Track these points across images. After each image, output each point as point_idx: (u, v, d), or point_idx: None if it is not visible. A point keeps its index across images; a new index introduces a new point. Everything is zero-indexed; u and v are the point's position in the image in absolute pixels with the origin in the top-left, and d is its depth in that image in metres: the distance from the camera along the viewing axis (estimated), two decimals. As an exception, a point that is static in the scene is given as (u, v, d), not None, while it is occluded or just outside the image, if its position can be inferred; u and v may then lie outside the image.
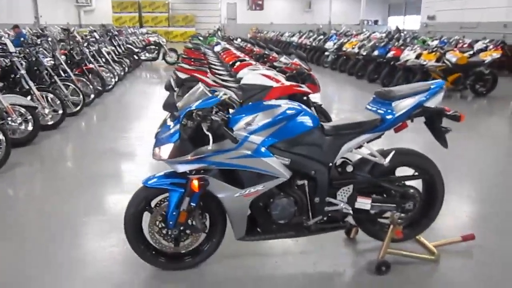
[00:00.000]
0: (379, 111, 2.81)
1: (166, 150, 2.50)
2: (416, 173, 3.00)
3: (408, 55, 10.10)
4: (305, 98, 5.54)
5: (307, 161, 2.70)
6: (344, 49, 14.09)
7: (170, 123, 2.58)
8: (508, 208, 3.89)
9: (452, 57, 9.49)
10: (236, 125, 2.62)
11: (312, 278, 2.84)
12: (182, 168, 2.57)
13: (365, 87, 11.37)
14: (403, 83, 10.30)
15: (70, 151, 5.97)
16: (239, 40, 13.70)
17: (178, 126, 2.50)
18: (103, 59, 10.32)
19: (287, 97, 5.38)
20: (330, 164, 2.76)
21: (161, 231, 2.78)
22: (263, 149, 2.57)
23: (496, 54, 9.99)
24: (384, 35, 19.96)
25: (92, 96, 8.17)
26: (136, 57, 14.43)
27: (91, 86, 8.12)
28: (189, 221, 2.72)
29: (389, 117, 2.75)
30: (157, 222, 2.77)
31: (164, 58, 16.22)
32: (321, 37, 17.17)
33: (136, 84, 11.95)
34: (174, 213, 2.66)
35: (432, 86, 2.82)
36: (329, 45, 15.45)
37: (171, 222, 2.68)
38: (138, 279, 2.82)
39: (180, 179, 2.66)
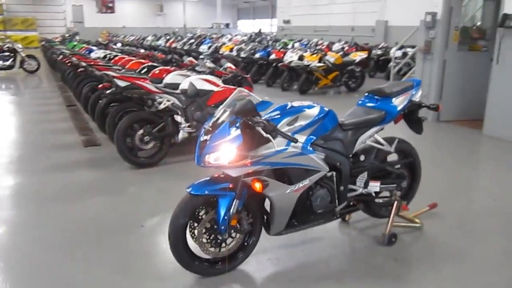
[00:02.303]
0: (381, 106, 3.28)
1: (227, 155, 2.55)
2: (406, 157, 3.57)
3: (291, 57, 11.05)
4: (243, 100, 5.81)
5: (335, 154, 3.03)
6: (220, 52, 14.57)
7: (223, 129, 2.61)
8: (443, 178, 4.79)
9: (331, 58, 10.75)
10: (278, 126, 2.79)
11: (340, 258, 3.20)
12: (238, 172, 2.65)
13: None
14: (289, 82, 11.27)
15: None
16: (119, 44, 13.09)
17: (239, 131, 2.57)
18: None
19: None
20: (350, 155, 3.15)
21: (209, 238, 2.81)
22: (308, 147, 2.81)
23: (364, 54, 11.61)
24: (246, 38, 21.14)
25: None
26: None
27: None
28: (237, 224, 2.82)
29: (392, 111, 3.25)
30: (205, 230, 2.79)
31: (22, 66, 14.53)
32: (192, 40, 17.35)
33: None
34: (225, 217, 2.72)
35: (414, 84, 3.41)
36: (204, 48, 15.78)
37: (223, 227, 2.73)
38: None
39: (224, 184, 2.73)
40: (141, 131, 5.11)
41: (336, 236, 3.55)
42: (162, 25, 34.19)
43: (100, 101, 6.30)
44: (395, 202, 3.39)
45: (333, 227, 3.61)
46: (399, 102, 3.29)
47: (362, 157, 3.26)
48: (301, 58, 10.83)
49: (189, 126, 5.37)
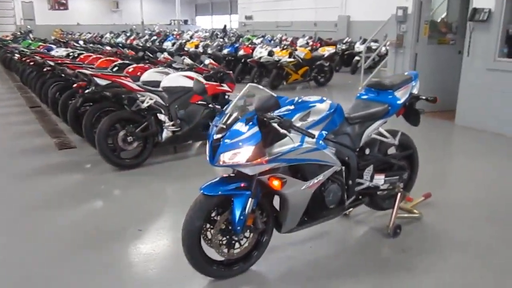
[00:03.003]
0: (384, 99, 3.29)
1: (245, 153, 2.46)
2: (405, 149, 3.61)
3: (261, 53, 11.01)
4: (226, 96, 5.72)
5: (343, 148, 3.01)
6: (186, 49, 14.32)
7: (240, 127, 2.52)
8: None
9: (301, 53, 10.79)
10: None
11: (349, 252, 3.19)
12: (255, 170, 2.57)
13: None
14: (259, 78, 11.23)
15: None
16: (81, 42, 12.56)
17: (257, 128, 2.49)
18: None
19: (211, 97, 5.48)
20: (357, 149, 3.14)
21: (224, 239, 2.71)
22: (321, 142, 2.77)
23: (332, 49, 11.75)
24: (208, 34, 20.91)
25: None
26: None
27: None
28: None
29: (395, 104, 3.27)
30: (220, 231, 2.69)
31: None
32: (155, 37, 16.96)
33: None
34: (241, 217, 2.63)
35: (412, 77, 3.45)
36: (167, 45, 15.45)
37: (239, 227, 2.64)
38: None
39: (237, 183, 2.65)
40: (123, 131, 4.90)
41: (340, 230, 3.54)
42: (119, 22, 33.19)
43: (71, 102, 6.01)
44: (399, 194, 3.42)
45: (335, 222, 3.58)
46: (401, 95, 3.32)
47: (367, 151, 3.26)
48: (270, 53, 10.80)
49: (173, 125, 5.21)
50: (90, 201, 4.17)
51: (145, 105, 5.01)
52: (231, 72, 5.93)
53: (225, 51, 12.43)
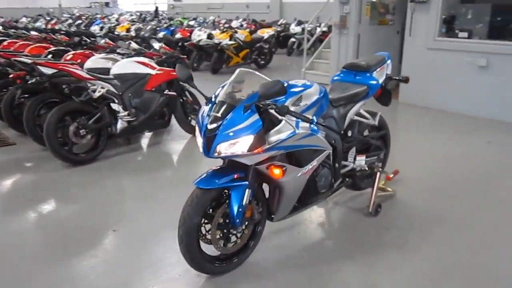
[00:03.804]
0: (362, 81, 3.30)
1: (246, 142, 2.32)
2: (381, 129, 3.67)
3: (200, 36, 10.69)
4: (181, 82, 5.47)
5: (330, 132, 2.98)
6: (116, 33, 13.53)
7: (237, 114, 2.36)
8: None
9: (241, 35, 10.63)
10: None
11: (337, 234, 3.21)
12: (254, 160, 2.45)
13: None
14: (199, 61, 10.96)
15: None
16: (-1, 27, 11.34)
17: (257, 116, 2.36)
18: None
19: (165, 83, 5.23)
20: (342, 132, 3.13)
21: (222, 234, 2.58)
22: (313, 126, 2.71)
23: (271, 31, 11.70)
24: (135, 17, 20.00)
25: None
26: None
27: None
28: (248, 214, 2.63)
29: (374, 85, 3.29)
30: (217, 226, 2.55)
31: None
32: (80, 21, 15.84)
33: None
34: (240, 209, 2.52)
35: (385, 57, 3.49)
36: (95, 29, 14.50)
37: (238, 220, 2.52)
38: None
39: (231, 174, 2.52)
40: (75, 124, 4.50)
41: (322, 214, 3.54)
42: (32, 5, 30.55)
43: (2, 94, 5.42)
44: (378, 174, 3.48)
45: (315, 206, 3.58)
46: (378, 76, 3.35)
47: (349, 133, 3.25)
48: (209, 36, 10.53)
49: (128, 115, 4.89)
50: (46, 204, 3.78)
51: (97, 94, 4.64)
52: (185, 56, 5.67)
53: (160, 35, 11.93)
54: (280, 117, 2.41)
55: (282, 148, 2.51)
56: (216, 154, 2.39)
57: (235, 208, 2.50)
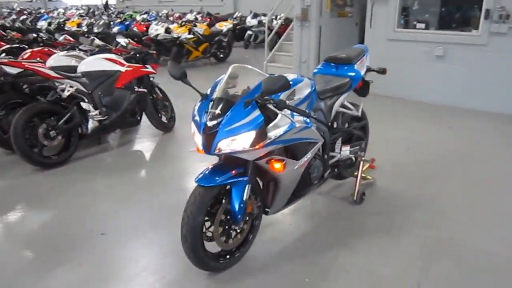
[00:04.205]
0: (344, 73, 3.38)
1: (248, 138, 2.33)
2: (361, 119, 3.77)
3: (157, 30, 10.46)
4: (152, 78, 5.36)
5: (320, 124, 3.04)
6: (66, 28, 12.97)
7: (238, 110, 2.35)
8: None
9: (200, 29, 10.51)
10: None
11: (328, 224, 3.28)
12: (255, 155, 2.46)
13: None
14: (157, 56, 10.70)
15: None
16: None
17: (258, 111, 2.37)
18: None
19: (135, 80, 5.11)
20: (329, 123, 3.20)
21: (224, 230, 2.58)
22: (307, 119, 2.75)
23: (229, 24, 11.64)
24: (82, 11, 19.27)
25: None
26: None
27: None
28: (246, 209, 2.65)
29: (357, 76, 3.38)
30: (220, 223, 2.55)
31: None
32: (24, 17, 15.02)
33: None
34: (242, 205, 2.53)
35: (364, 49, 3.60)
36: (42, 24, 13.82)
37: (239, 216, 2.53)
38: None
39: (230, 170, 2.52)
40: (44, 126, 4.30)
41: (309, 204, 3.60)
42: (-36, -1, 28.59)
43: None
44: (361, 163, 3.59)
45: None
46: (360, 67, 3.44)
47: (335, 124, 3.34)
48: (167, 30, 10.33)
49: (99, 113, 4.73)
50: (20, 212, 3.61)
51: (66, 93, 4.45)
52: (154, 52, 5.54)
53: (115, 29, 11.56)
54: (279, 112, 2.44)
55: (281, 142, 2.54)
56: (217, 151, 2.38)
57: (237, 204, 2.51)
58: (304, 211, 3.48)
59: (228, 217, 2.57)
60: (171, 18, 15.09)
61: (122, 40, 5.62)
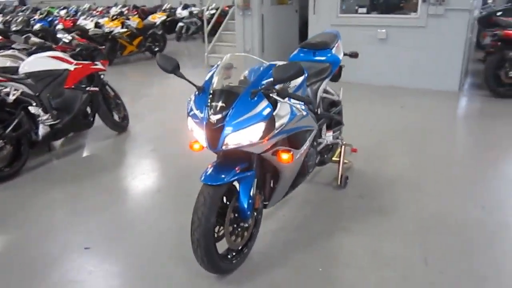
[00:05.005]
0: (323, 59, 3.35)
1: (257, 131, 2.21)
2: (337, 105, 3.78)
3: (86, 25, 9.80)
4: (102, 76, 5.00)
5: (310, 111, 3.00)
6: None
7: (244, 102, 2.23)
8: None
9: (133, 22, 10.01)
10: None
11: (318, 210, 3.27)
12: (263, 148, 2.35)
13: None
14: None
15: None
16: None
17: (266, 101, 2.26)
18: None
19: (85, 78, 4.75)
20: (316, 110, 3.17)
21: (234, 229, 2.46)
22: (304, 107, 2.69)
23: (163, 16, 11.20)
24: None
25: None
26: None
27: None
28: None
29: (336, 61, 3.37)
30: (230, 221, 2.43)
31: None
32: None
33: None
34: (250, 201, 2.42)
35: (336, 34, 3.60)
36: None
37: (249, 212, 2.43)
38: None
39: (234, 166, 2.40)
40: (-12, 135, 3.84)
41: (295, 194, 3.49)
42: None
43: None
44: (343, 147, 3.62)
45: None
46: (337, 52, 3.44)
47: (319, 110, 3.31)
48: (98, 25, 9.71)
49: (50, 117, 4.31)
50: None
51: (11, 98, 4.00)
52: (103, 47, 5.15)
53: (37, 26, 10.67)
54: (282, 101, 2.35)
55: (285, 132, 2.45)
56: (224, 146, 2.24)
57: (246, 200, 2.40)
58: (293, 200, 3.43)
59: (236, 215, 2.45)
60: (94, 13, 14.25)
61: (64, 36, 5.16)
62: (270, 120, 2.26)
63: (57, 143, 4.92)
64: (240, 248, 2.60)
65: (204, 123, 2.26)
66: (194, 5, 14.76)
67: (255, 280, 2.51)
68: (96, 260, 2.77)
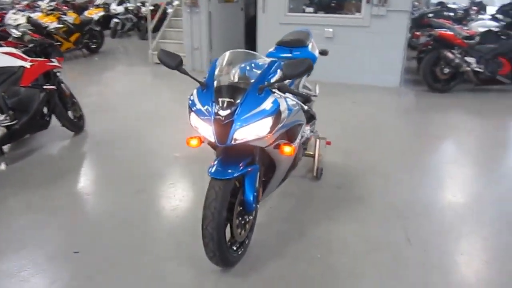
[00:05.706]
0: (301, 55, 3.48)
1: (266, 125, 2.28)
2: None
3: (17, 20, 9.14)
4: (58, 73, 4.75)
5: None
6: None
7: (252, 97, 2.28)
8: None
9: (69, 17, 9.50)
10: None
11: (301, 202, 3.41)
12: (268, 142, 2.43)
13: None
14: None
15: None
16: None
17: (273, 96, 2.33)
18: None
19: (42, 76, 4.50)
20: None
21: (241, 222, 2.52)
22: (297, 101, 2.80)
23: (100, 12, 10.74)
24: None
25: None
26: None
27: None
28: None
29: (313, 58, 3.52)
30: (237, 215, 2.48)
31: None
32: None
33: None
34: (255, 193, 2.49)
35: (309, 33, 3.76)
36: None
37: (254, 205, 2.50)
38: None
39: (238, 161, 2.46)
40: None
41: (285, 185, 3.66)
42: None
43: None
44: (318, 140, 3.79)
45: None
46: (313, 50, 3.59)
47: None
48: (29, 20, 9.08)
49: (6, 118, 4.03)
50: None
51: (-36, 98, 3.69)
52: (58, 43, 4.88)
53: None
54: (283, 95, 2.45)
55: (286, 126, 2.56)
56: (234, 141, 2.29)
57: (251, 193, 2.47)
58: (276, 192, 3.53)
59: (241, 208, 2.51)
60: (17, 7, 13.25)
61: (16, 31, 4.81)
62: (277, 114, 2.34)
63: (7, 146, 4.59)
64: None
65: (212, 118, 2.29)
66: (129, 1, 14.31)
67: (260, 271, 2.59)
68: (78, 266, 2.68)
